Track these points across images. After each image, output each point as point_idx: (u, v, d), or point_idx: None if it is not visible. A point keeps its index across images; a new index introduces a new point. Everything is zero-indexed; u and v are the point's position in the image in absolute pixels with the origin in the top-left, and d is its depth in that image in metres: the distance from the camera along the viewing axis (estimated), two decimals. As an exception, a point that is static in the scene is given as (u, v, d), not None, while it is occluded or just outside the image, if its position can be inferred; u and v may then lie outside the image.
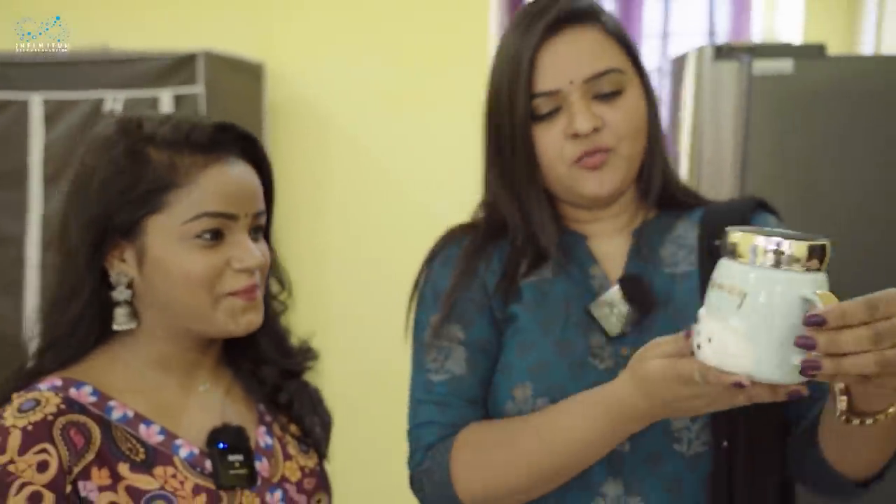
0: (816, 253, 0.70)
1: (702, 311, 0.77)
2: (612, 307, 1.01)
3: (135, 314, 0.97)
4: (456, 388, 1.04)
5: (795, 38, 2.80)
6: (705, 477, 0.95)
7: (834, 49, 2.67)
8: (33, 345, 0.99)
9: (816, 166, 1.77)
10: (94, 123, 2.32)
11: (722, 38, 2.92)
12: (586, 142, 0.99)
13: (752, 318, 0.71)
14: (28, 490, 0.87)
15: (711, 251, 1.01)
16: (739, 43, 1.78)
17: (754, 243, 0.71)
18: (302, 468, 1.06)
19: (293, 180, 2.82)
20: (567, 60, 0.99)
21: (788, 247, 0.70)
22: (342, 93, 2.83)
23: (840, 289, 0.71)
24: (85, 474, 0.90)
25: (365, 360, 2.83)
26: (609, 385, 0.90)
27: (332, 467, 1.13)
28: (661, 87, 2.26)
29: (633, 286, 1.01)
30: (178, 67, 2.38)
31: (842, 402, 0.76)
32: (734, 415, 0.87)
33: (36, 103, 2.40)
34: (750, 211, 1.07)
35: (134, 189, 0.93)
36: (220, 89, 2.44)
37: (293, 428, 1.08)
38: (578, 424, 0.91)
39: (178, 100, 2.38)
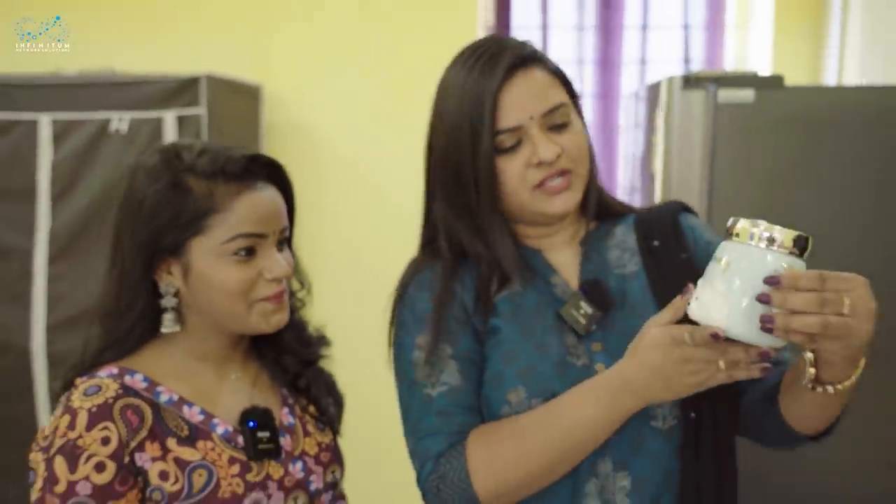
0: (800, 243, 0.86)
1: (699, 282, 0.91)
2: (578, 309, 1.10)
3: (179, 318, 1.10)
4: (455, 398, 1.09)
5: (764, 66, 2.94)
6: (678, 446, 1.07)
7: (800, 79, 2.82)
8: (92, 342, 1.11)
9: (776, 188, 1.88)
10: (101, 142, 2.44)
11: (697, 65, 3.04)
12: (549, 168, 1.08)
13: (730, 280, 0.86)
14: (94, 460, 1.00)
15: (651, 251, 1.15)
16: (706, 73, 1.88)
17: (753, 229, 0.86)
18: (319, 444, 1.18)
19: None
20: (526, 99, 1.08)
21: (779, 233, 0.85)
22: (336, 114, 2.90)
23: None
24: (140, 447, 1.03)
25: (358, 368, 2.91)
26: (608, 369, 1.00)
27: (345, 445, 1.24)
28: (639, 111, 2.38)
29: (593, 289, 1.11)
30: (181, 90, 2.43)
31: (810, 373, 0.91)
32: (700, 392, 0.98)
33: (44, 123, 2.44)
34: (677, 212, 1.19)
35: (179, 217, 1.05)
36: (220, 111, 2.49)
37: (311, 409, 1.20)
38: (583, 405, 1.00)
39: (181, 121, 2.43)
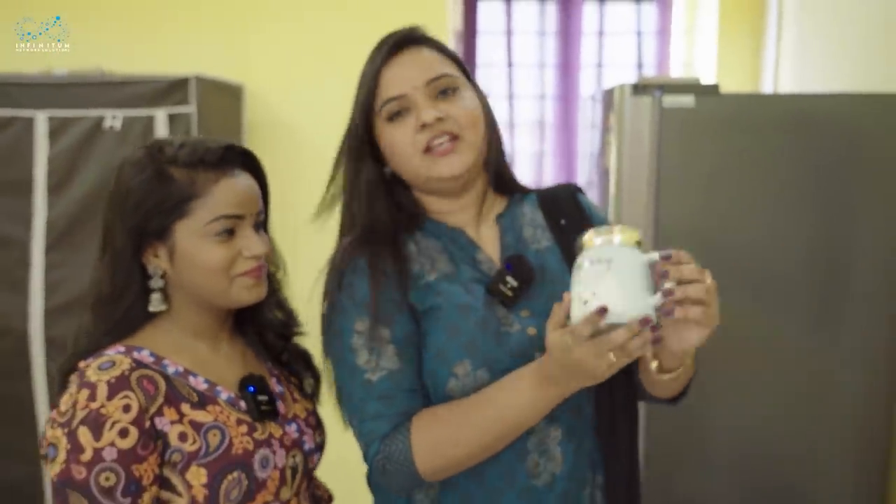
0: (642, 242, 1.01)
1: (576, 287, 0.97)
2: (505, 284, 1.16)
3: (166, 298, 1.17)
4: (395, 382, 1.12)
5: (709, 71, 3.17)
6: (594, 399, 1.18)
7: (741, 84, 3.06)
8: (87, 329, 1.16)
9: (715, 183, 2.08)
10: (96, 138, 2.55)
11: (649, 69, 3.26)
12: (433, 129, 1.14)
13: (620, 274, 0.96)
14: (118, 427, 1.05)
15: (561, 228, 1.24)
16: (653, 80, 2.09)
17: (614, 234, 0.98)
18: (306, 409, 1.27)
19: (270, 194, 3.08)
20: (409, 70, 1.16)
21: (637, 236, 0.99)
22: (313, 112, 2.95)
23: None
24: (159, 412, 1.09)
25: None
26: (535, 363, 1.06)
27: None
28: (595, 112, 2.59)
29: (517, 264, 1.18)
30: (172, 90, 2.51)
31: (654, 364, 1.11)
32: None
33: (41, 120, 2.51)
34: (575, 192, 1.30)
35: (164, 203, 1.12)
36: (208, 109, 2.58)
37: (293, 380, 1.29)
38: (516, 395, 1.06)
39: (172, 118, 2.51)
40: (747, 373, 2.19)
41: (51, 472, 1.05)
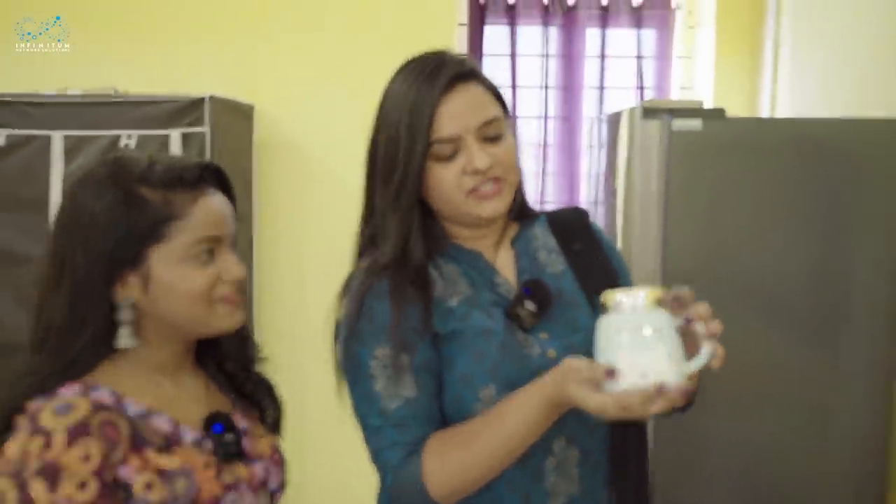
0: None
1: (616, 353, 0.95)
2: (524, 308, 1.16)
3: (135, 332, 1.06)
4: (411, 410, 1.11)
5: (706, 94, 3.26)
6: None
7: (739, 107, 3.14)
8: (38, 365, 1.03)
9: (720, 202, 2.16)
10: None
11: (649, 92, 3.34)
12: (482, 176, 1.14)
13: (667, 345, 0.95)
14: (76, 479, 0.94)
15: (574, 252, 1.25)
16: (660, 103, 2.17)
17: (642, 296, 0.97)
18: (270, 445, 1.19)
19: (277, 208, 3.06)
20: (463, 111, 1.13)
21: (659, 294, 0.99)
22: (322, 131, 3.05)
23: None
24: (124, 461, 0.99)
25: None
26: (540, 383, 1.05)
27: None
28: (601, 133, 2.66)
29: (535, 288, 1.19)
30: (187, 110, 2.58)
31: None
32: None
33: (57, 139, 2.57)
34: (586, 217, 1.32)
35: (136, 227, 1.02)
36: (221, 129, 2.65)
37: (255, 412, 1.21)
38: (521, 413, 1.06)
39: (186, 138, 2.57)
40: (750, 390, 2.25)
41: None
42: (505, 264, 1.24)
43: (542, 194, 3.28)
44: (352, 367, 1.15)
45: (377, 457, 1.13)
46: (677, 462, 2.27)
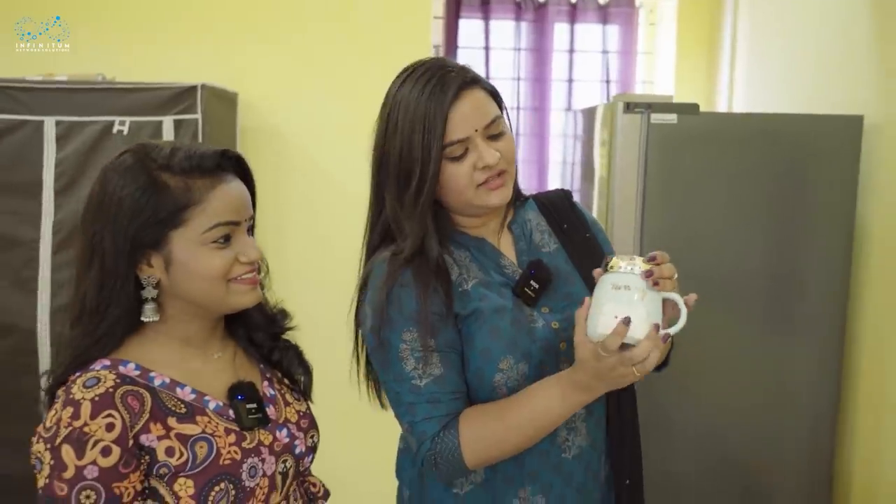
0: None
1: (607, 304, 1.08)
2: (529, 286, 1.30)
3: (159, 307, 1.14)
4: (441, 386, 1.23)
5: (667, 88, 3.47)
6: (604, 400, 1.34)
7: (697, 100, 3.34)
8: (76, 339, 1.11)
9: (694, 189, 2.34)
10: (104, 143, 2.62)
11: (613, 86, 3.52)
12: (491, 170, 1.25)
13: (649, 305, 1.09)
14: (100, 445, 1.02)
15: (563, 232, 1.38)
16: (635, 98, 2.35)
17: (637, 264, 1.10)
18: (298, 411, 1.26)
19: (259, 194, 3.16)
20: (470, 115, 1.24)
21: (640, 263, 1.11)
22: (301, 118, 3.12)
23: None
24: (145, 429, 1.06)
25: (323, 346, 3.15)
26: (565, 370, 1.19)
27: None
28: (576, 124, 2.82)
29: (537, 268, 1.32)
30: (180, 98, 2.61)
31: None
32: None
33: (49, 125, 2.57)
34: (570, 197, 1.44)
35: (159, 212, 1.08)
36: (210, 116, 2.68)
37: (286, 381, 1.28)
38: (549, 400, 1.18)
39: (178, 124, 2.61)
40: (720, 363, 2.46)
41: (38, 484, 1.05)
42: (506, 247, 1.36)
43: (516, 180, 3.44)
44: (383, 352, 1.24)
45: (413, 429, 1.24)
46: (653, 428, 2.47)
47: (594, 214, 2.47)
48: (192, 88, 2.64)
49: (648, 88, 3.55)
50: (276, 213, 3.15)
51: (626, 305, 1.08)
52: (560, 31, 3.43)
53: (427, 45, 3.23)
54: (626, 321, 1.07)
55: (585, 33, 3.48)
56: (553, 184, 3.36)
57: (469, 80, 1.26)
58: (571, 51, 3.46)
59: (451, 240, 1.33)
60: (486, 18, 3.38)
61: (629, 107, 2.23)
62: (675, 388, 2.44)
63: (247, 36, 3.13)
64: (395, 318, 1.23)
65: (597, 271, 1.15)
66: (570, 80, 3.46)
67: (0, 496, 2.61)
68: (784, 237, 2.41)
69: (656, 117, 2.25)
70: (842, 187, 2.38)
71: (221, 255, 1.11)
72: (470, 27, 3.41)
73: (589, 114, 2.66)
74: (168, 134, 2.64)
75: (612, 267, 1.11)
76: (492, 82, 1.32)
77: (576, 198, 1.45)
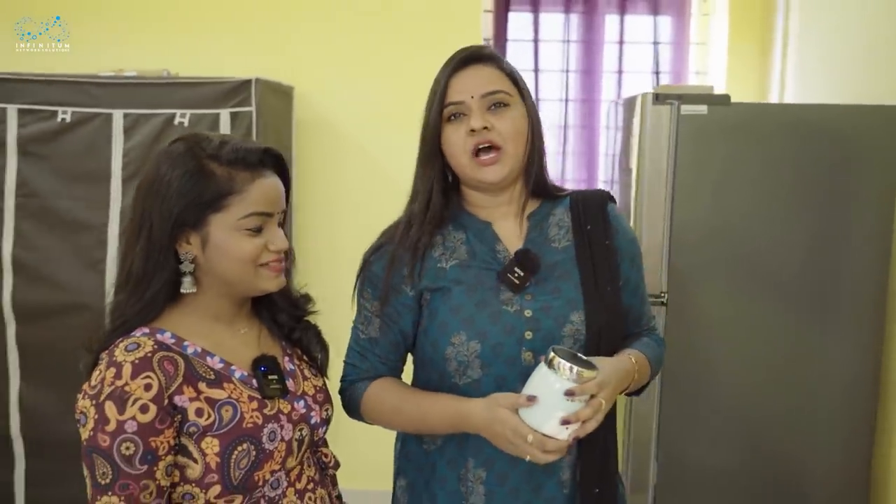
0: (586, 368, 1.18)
1: (557, 404, 1.16)
2: (513, 273, 1.34)
3: (195, 281, 1.23)
4: (373, 347, 1.39)
5: (719, 79, 3.42)
6: None
7: (748, 94, 3.30)
8: (120, 306, 1.21)
9: (724, 183, 2.33)
10: (166, 134, 2.77)
11: (665, 77, 3.49)
12: (479, 135, 1.31)
13: (566, 410, 1.17)
14: (139, 403, 1.12)
15: (584, 232, 1.40)
16: (671, 89, 2.34)
17: (578, 370, 1.16)
18: (314, 386, 1.35)
19: (314, 183, 3.22)
20: (471, 82, 1.33)
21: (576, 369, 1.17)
22: (356, 111, 3.21)
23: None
24: (178, 391, 1.16)
25: None
26: (469, 402, 1.26)
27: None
28: (618, 116, 2.83)
29: (524, 257, 1.36)
30: (235, 91, 2.73)
31: None
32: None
33: (118, 117, 2.74)
34: (606, 202, 1.44)
35: (202, 196, 1.18)
36: (265, 109, 2.81)
37: (305, 357, 1.38)
38: (438, 416, 1.30)
39: (234, 116, 2.73)
40: (751, 354, 2.45)
41: (81, 436, 1.15)
42: (513, 235, 1.40)
43: (563, 172, 3.47)
44: (356, 303, 1.43)
45: (344, 365, 1.44)
46: (682, 420, 2.48)
47: (630, 206, 2.50)
48: (247, 82, 2.75)
49: (701, 79, 3.52)
50: (330, 201, 3.25)
51: (572, 414, 1.18)
52: (610, 21, 3.43)
53: (477, 38, 3.26)
54: (567, 421, 1.18)
55: (636, 24, 3.46)
56: (601, 175, 3.38)
57: (482, 56, 1.35)
58: (621, 42, 3.45)
59: (454, 220, 1.40)
60: (536, 11, 3.41)
61: (658, 98, 2.25)
62: (705, 378, 2.45)
63: (303, 32, 3.24)
64: (365, 278, 1.40)
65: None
66: (620, 72, 3.46)
67: (69, 464, 2.82)
68: (820, 229, 2.38)
69: (686, 108, 2.26)
70: (882, 179, 2.34)
71: (253, 242, 1.21)
72: (519, 20, 3.44)
73: (629, 105, 2.68)
74: (225, 125, 2.76)
75: (562, 368, 1.17)
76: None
77: (615, 190, 1.47)
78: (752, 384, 2.46)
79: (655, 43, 3.44)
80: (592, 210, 1.42)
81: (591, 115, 3.43)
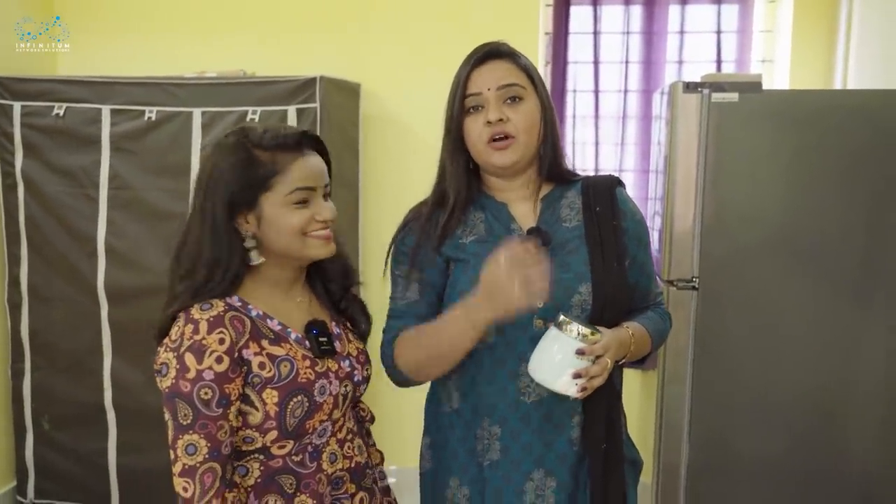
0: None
1: (558, 356, 1.34)
2: None
3: (260, 253, 1.36)
4: (409, 308, 1.50)
5: (784, 68, 3.35)
6: None
7: (814, 82, 3.22)
8: (197, 283, 1.32)
9: (755, 169, 2.34)
10: None
11: (728, 66, 3.43)
12: (495, 126, 1.43)
13: (575, 366, 1.36)
14: (215, 355, 1.26)
15: (593, 213, 1.50)
16: (709, 78, 2.36)
17: (588, 332, 1.35)
18: (357, 348, 1.50)
19: (380, 174, 3.38)
20: (488, 76, 1.45)
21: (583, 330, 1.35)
22: (421, 107, 3.26)
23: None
24: (245, 346, 1.30)
25: None
26: (467, 303, 1.34)
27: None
28: (657, 105, 2.83)
29: (536, 233, 1.48)
30: (302, 89, 2.90)
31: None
32: None
33: (197, 114, 2.97)
34: (615, 186, 1.55)
35: (252, 180, 1.32)
36: (330, 105, 2.97)
37: (349, 324, 1.53)
38: (451, 322, 1.38)
39: (300, 112, 2.90)
40: (788, 335, 2.43)
41: (162, 385, 1.28)
42: (528, 215, 1.52)
43: (621, 163, 3.50)
44: (389, 276, 1.55)
45: (383, 332, 1.54)
46: (715, 405, 2.50)
47: (661, 193, 2.53)
48: (312, 80, 2.93)
49: (767, 68, 3.45)
50: (396, 195, 3.28)
51: (583, 369, 1.35)
52: (672, 12, 3.41)
53: (536, 31, 3.36)
54: (578, 376, 1.34)
55: (699, 13, 3.42)
56: (652, 165, 3.38)
57: (499, 52, 1.47)
58: (682, 32, 3.42)
59: (474, 201, 1.53)
60: (596, 4, 3.45)
61: (689, 87, 2.28)
62: (739, 358, 2.44)
63: (370, 31, 3.41)
64: (398, 254, 1.52)
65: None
66: (681, 62, 3.43)
67: (155, 434, 3.06)
68: (855, 216, 2.34)
69: (717, 96, 2.28)
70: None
71: (300, 214, 1.34)
72: (579, 13, 3.48)
73: (672, 93, 2.70)
74: (292, 121, 2.94)
75: (568, 326, 1.34)
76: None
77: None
78: (785, 370, 2.45)
79: (718, 31, 3.39)
80: (602, 193, 1.52)
81: (649, 105, 3.43)
